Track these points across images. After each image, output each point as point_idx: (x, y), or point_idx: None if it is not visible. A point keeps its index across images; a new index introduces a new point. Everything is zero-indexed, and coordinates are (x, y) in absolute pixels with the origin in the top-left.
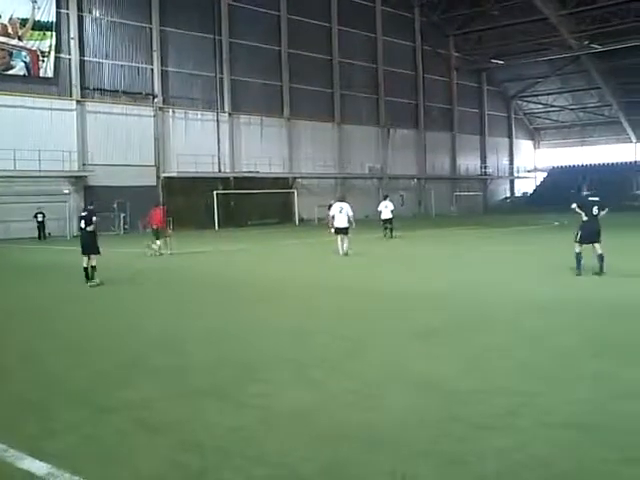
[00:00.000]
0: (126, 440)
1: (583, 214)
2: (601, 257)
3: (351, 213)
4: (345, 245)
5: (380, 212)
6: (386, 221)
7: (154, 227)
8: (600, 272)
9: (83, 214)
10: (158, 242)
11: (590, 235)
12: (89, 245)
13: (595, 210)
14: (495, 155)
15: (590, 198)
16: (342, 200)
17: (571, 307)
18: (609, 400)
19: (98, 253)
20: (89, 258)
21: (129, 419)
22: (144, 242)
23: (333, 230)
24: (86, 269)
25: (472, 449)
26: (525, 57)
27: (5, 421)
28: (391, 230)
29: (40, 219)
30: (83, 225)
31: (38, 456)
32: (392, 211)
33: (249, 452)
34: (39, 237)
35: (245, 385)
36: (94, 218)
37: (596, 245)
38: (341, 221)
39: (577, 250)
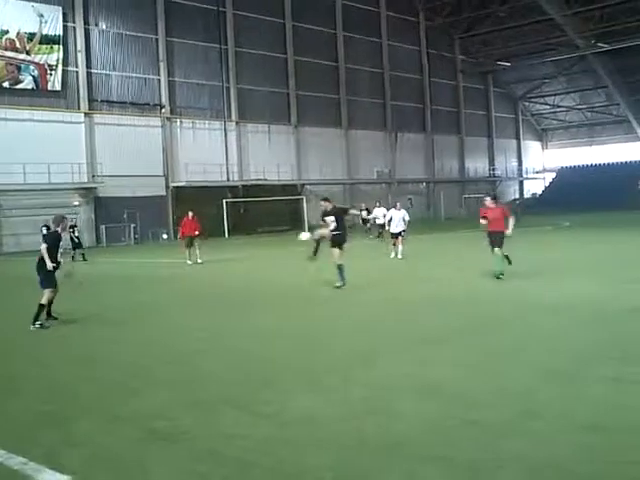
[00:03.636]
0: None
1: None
2: (340, 267)
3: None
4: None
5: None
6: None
7: (187, 236)
8: (341, 283)
9: None
10: (187, 251)
11: (338, 244)
12: None
13: (332, 226)
14: (503, 157)
15: (327, 217)
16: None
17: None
18: (628, 402)
19: None
20: None
21: (143, 429)
22: (155, 252)
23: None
24: None
25: (488, 454)
26: (531, 58)
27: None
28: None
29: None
30: None
31: (57, 468)
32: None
33: (266, 461)
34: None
35: (258, 394)
36: None
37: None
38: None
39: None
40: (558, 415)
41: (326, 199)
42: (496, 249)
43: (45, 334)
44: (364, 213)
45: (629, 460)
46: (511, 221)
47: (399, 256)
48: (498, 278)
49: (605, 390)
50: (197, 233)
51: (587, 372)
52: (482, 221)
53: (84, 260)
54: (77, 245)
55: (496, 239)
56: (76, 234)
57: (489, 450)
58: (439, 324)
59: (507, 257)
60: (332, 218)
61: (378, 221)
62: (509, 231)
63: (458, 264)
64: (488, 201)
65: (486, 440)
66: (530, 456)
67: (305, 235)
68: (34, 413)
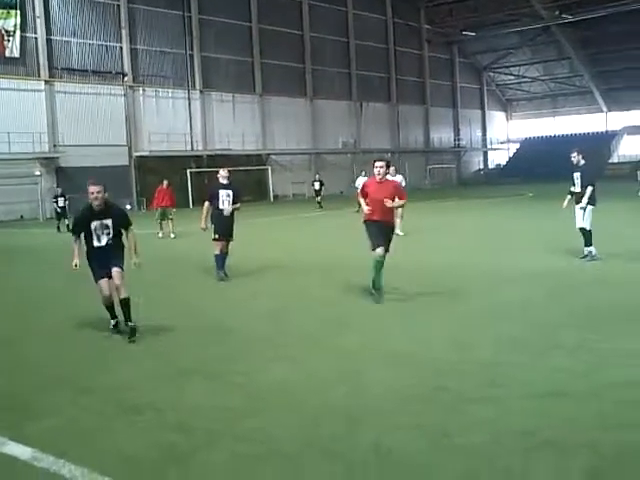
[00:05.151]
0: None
1: (218, 206)
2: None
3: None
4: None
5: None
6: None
7: (161, 207)
8: (226, 277)
9: None
10: (160, 223)
11: (224, 230)
12: None
13: (226, 204)
14: (468, 127)
15: (222, 190)
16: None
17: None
18: (588, 369)
19: None
20: None
21: (111, 401)
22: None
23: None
24: None
25: (456, 421)
26: (496, 28)
27: None
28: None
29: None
30: None
31: (21, 440)
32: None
33: (235, 431)
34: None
35: (230, 365)
36: None
37: (230, 243)
38: None
39: (217, 252)
40: (520, 382)
41: (229, 171)
42: (378, 250)
43: (6, 311)
44: (317, 185)
45: (586, 426)
46: (400, 207)
47: (400, 232)
48: (372, 294)
49: (565, 358)
50: (170, 204)
51: (549, 341)
52: (363, 204)
53: (61, 230)
54: (62, 215)
55: (381, 235)
56: (60, 204)
57: (456, 416)
58: (409, 295)
59: (376, 287)
60: (229, 193)
61: None
62: (398, 229)
63: (431, 234)
64: (378, 167)
65: (453, 406)
66: (495, 421)
67: None
68: None
